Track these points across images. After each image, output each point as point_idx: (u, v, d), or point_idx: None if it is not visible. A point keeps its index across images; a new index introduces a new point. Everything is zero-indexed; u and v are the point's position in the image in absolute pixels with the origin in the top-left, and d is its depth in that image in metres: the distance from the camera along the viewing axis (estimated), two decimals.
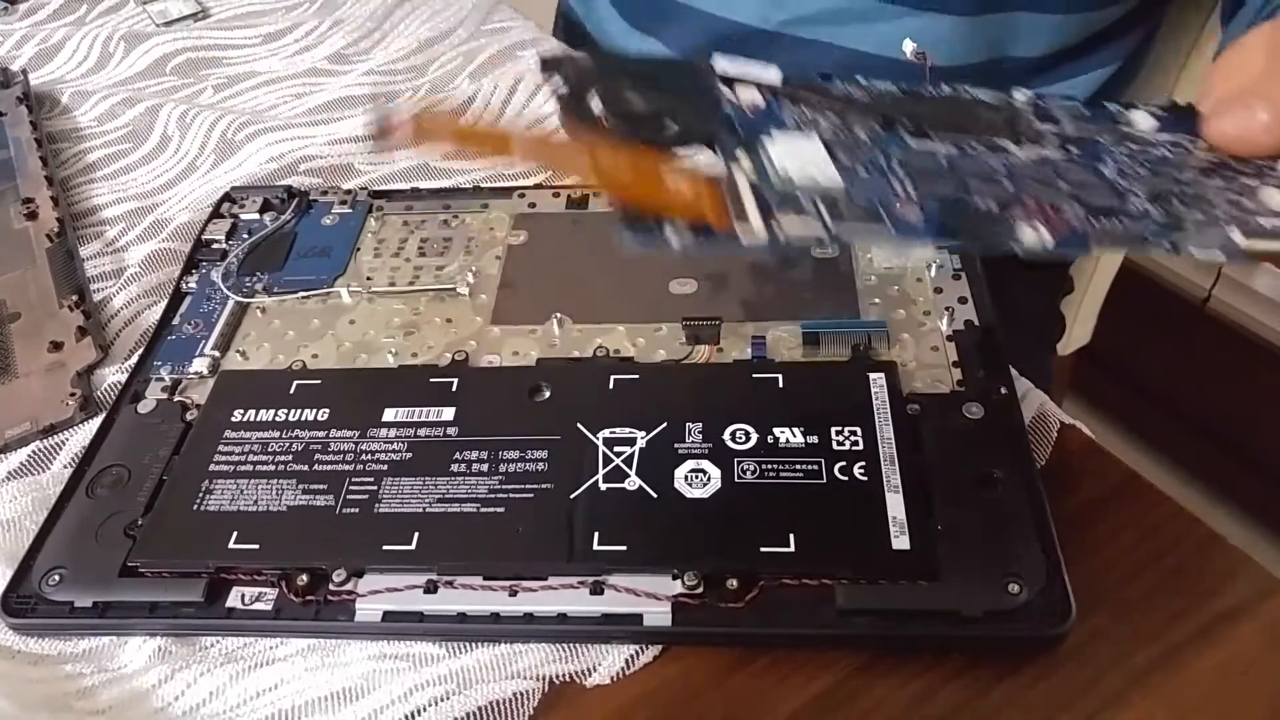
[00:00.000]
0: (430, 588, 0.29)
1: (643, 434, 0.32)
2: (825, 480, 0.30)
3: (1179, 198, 0.28)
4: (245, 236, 0.42)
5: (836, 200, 0.26)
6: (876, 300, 0.36)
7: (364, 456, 0.32)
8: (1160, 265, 0.98)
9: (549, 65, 0.29)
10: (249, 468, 0.32)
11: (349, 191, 0.44)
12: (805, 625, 0.28)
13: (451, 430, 0.32)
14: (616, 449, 0.31)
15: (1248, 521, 0.96)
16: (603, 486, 0.30)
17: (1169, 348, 1.00)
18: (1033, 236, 0.26)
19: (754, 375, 0.33)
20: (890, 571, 0.28)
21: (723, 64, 0.29)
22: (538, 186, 0.43)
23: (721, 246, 0.24)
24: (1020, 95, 0.31)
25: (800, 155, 0.27)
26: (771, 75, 0.29)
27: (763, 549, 0.28)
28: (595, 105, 0.27)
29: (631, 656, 0.28)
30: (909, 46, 0.34)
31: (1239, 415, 0.96)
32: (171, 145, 0.49)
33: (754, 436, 0.31)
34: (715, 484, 0.30)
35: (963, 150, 0.29)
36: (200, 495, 0.31)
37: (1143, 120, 0.31)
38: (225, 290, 0.39)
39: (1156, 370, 1.02)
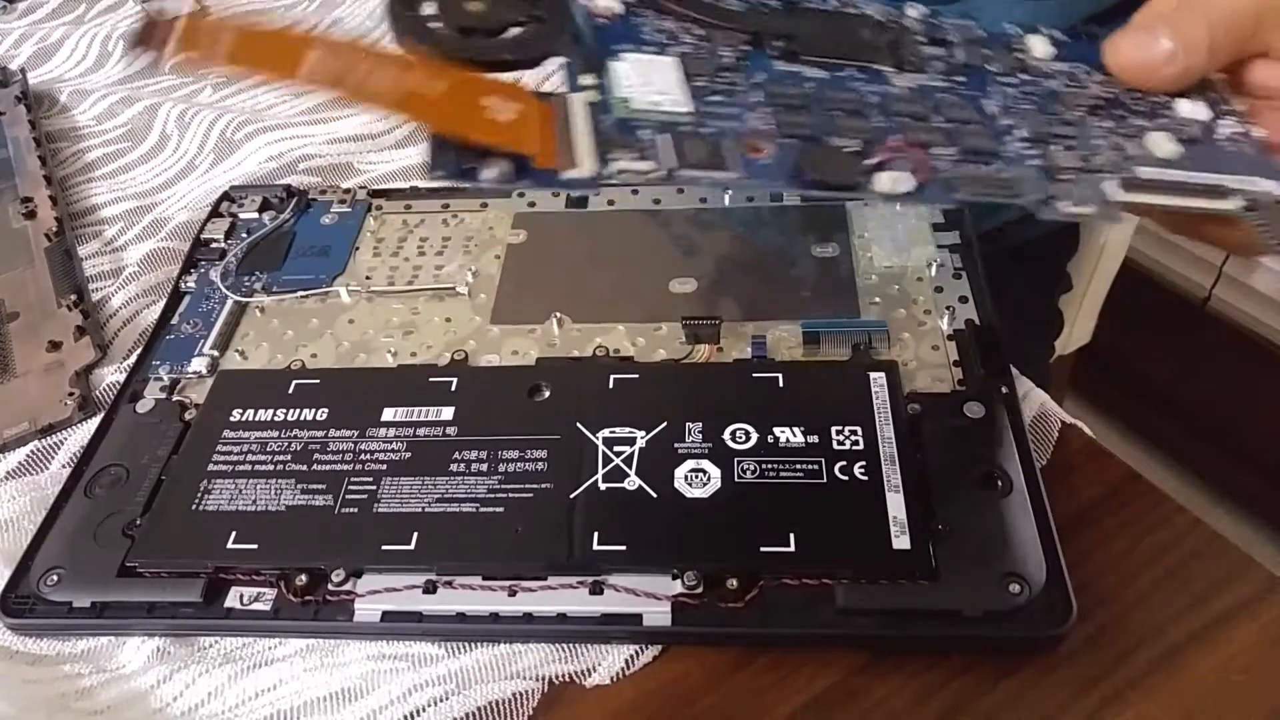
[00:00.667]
0: (429, 588, 0.29)
1: (642, 434, 0.31)
2: (825, 480, 0.30)
3: (1061, 140, 0.27)
4: (244, 236, 0.42)
5: (681, 133, 0.24)
6: (877, 299, 0.36)
7: (363, 456, 0.32)
8: (1160, 264, 0.98)
9: None
10: (248, 467, 0.32)
11: (348, 190, 0.44)
12: (805, 625, 0.28)
13: (451, 430, 0.32)
14: (616, 449, 0.31)
15: (1248, 521, 0.96)
16: (602, 486, 0.30)
17: (1169, 347, 0.99)
18: (888, 183, 0.24)
19: (754, 375, 0.33)
20: (890, 571, 0.28)
21: None
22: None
23: (539, 181, 0.23)
24: (913, 11, 0.30)
25: (649, 78, 0.26)
26: None
27: (763, 549, 0.28)
28: (429, 8, 0.25)
29: (631, 657, 0.28)
30: None
31: (1239, 415, 0.96)
32: (170, 144, 0.49)
33: (754, 436, 0.31)
34: (715, 484, 0.30)
35: (835, 76, 0.27)
36: (199, 495, 0.31)
37: (1040, 46, 0.30)
38: (224, 289, 0.39)
39: (1156, 370, 1.02)
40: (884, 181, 0.24)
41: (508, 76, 0.24)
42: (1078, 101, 0.29)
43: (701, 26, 0.28)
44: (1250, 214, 0.27)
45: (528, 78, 0.25)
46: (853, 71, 0.28)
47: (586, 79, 0.25)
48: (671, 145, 0.24)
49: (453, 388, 0.34)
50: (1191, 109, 0.29)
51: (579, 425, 0.32)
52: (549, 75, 0.25)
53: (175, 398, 0.35)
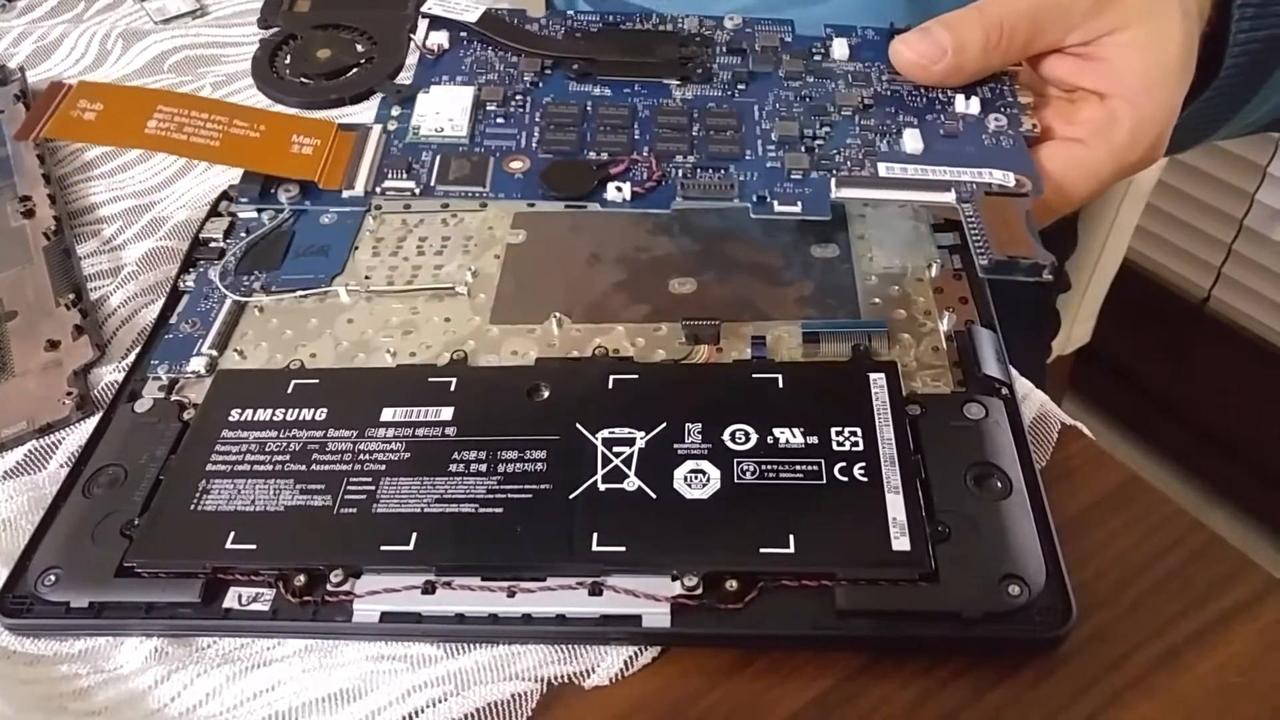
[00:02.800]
0: (428, 588, 0.29)
1: (642, 434, 0.31)
2: (825, 481, 0.30)
3: (809, 141, 0.31)
4: (243, 235, 0.42)
5: (450, 154, 0.31)
6: (877, 300, 0.36)
7: (362, 456, 0.32)
8: (1160, 264, 0.98)
9: (269, 10, 0.32)
10: (246, 467, 0.32)
11: None
12: (805, 627, 0.28)
13: (450, 430, 0.32)
14: (615, 449, 0.31)
15: (1247, 522, 0.97)
16: (602, 487, 0.30)
17: (1168, 348, 1.00)
18: (614, 192, 0.29)
19: (754, 375, 0.33)
20: (890, 573, 0.28)
21: (430, 1, 0.33)
22: None
23: (324, 201, 0.30)
24: (729, 23, 0.34)
25: (443, 108, 0.31)
26: (471, 16, 0.33)
27: (762, 550, 0.28)
28: (284, 61, 0.31)
29: (630, 658, 0.28)
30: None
31: (1238, 416, 0.96)
32: None
33: (754, 437, 0.31)
34: (715, 484, 0.30)
35: (621, 92, 0.32)
36: (197, 495, 0.31)
37: (839, 49, 0.33)
38: (223, 289, 0.39)
39: (1155, 370, 1.02)
40: (611, 191, 0.30)
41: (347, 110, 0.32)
42: (849, 101, 0.32)
43: (513, 53, 0.33)
44: (963, 204, 0.30)
45: (356, 111, 0.32)
46: (638, 87, 0.32)
47: (395, 110, 0.32)
48: (436, 164, 0.30)
49: (452, 388, 0.34)
50: (965, 105, 0.32)
51: (578, 426, 0.32)
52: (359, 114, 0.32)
53: (174, 397, 0.35)
